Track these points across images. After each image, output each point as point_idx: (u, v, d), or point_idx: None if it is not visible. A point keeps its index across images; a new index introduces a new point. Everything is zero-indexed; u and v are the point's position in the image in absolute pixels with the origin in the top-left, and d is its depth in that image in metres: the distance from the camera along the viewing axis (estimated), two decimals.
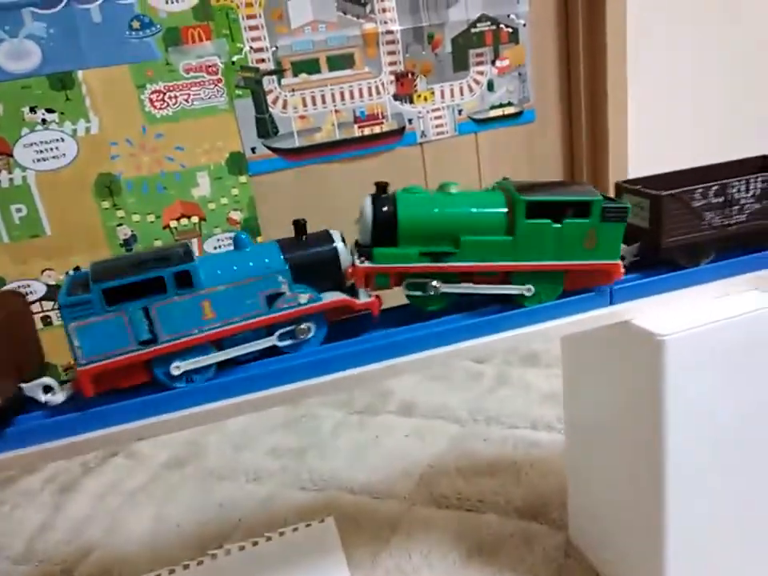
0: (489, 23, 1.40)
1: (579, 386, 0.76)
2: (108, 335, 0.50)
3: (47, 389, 0.52)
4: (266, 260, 0.55)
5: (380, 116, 1.38)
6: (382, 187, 0.58)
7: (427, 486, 0.98)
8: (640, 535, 0.68)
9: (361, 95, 1.35)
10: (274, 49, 1.27)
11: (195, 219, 1.29)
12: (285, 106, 1.30)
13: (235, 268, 0.54)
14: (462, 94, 1.43)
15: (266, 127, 1.30)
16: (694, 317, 0.61)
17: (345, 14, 1.29)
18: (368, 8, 1.30)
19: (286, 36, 1.27)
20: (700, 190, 0.62)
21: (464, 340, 0.59)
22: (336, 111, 1.34)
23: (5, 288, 1.20)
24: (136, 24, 1.19)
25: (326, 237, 0.57)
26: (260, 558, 0.88)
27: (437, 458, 1.05)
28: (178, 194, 1.27)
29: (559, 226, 0.58)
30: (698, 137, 1.56)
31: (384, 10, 1.31)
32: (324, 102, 1.33)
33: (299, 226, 0.57)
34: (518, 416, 1.13)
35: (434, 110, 1.42)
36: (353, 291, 0.58)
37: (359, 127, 1.37)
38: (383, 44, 1.33)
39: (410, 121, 1.41)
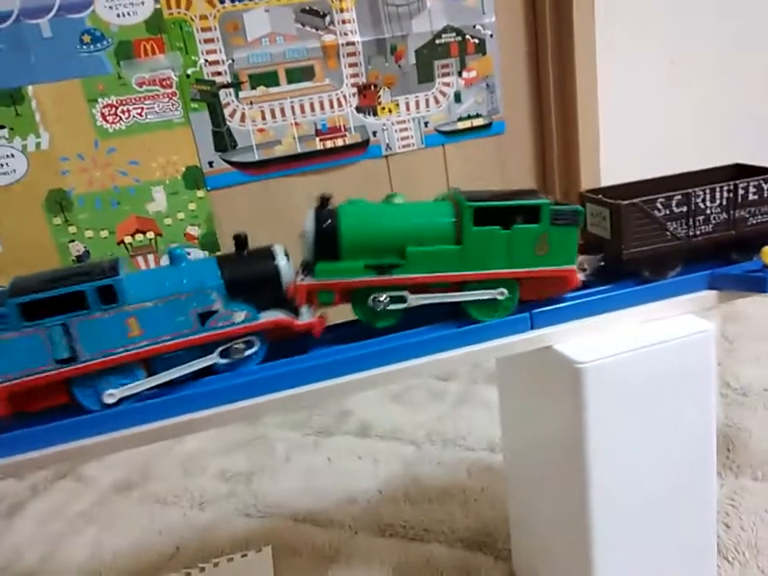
0: (454, 34, 1.37)
1: (512, 411, 0.72)
2: (24, 352, 0.48)
3: None
4: (200, 276, 0.52)
5: (342, 129, 1.35)
6: (325, 200, 0.56)
7: (373, 512, 0.95)
8: (571, 566, 0.64)
9: (322, 108, 1.33)
10: (230, 61, 1.24)
11: (151, 235, 1.26)
12: (243, 119, 1.28)
13: (166, 284, 0.51)
14: (427, 105, 1.40)
15: (223, 141, 1.27)
16: (618, 343, 0.57)
17: (303, 26, 1.27)
18: (327, 20, 1.28)
19: (243, 48, 1.25)
20: (662, 199, 0.59)
21: (377, 366, 0.56)
22: (296, 124, 1.32)
23: None
24: (87, 38, 1.17)
25: (268, 252, 0.55)
26: None
27: (387, 482, 1.01)
28: (133, 209, 1.24)
29: (508, 232, 0.56)
30: (671, 146, 1.52)
31: (344, 22, 1.29)
32: (284, 114, 1.30)
33: (240, 240, 0.55)
34: (476, 438, 1.09)
35: (399, 122, 1.39)
36: (296, 309, 0.55)
37: (321, 140, 1.34)
38: (344, 56, 1.31)
39: (374, 133, 1.38)
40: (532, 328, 0.58)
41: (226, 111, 1.26)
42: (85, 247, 1.23)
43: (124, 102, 1.20)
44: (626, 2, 1.46)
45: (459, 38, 1.38)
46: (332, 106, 1.33)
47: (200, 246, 1.29)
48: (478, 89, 1.43)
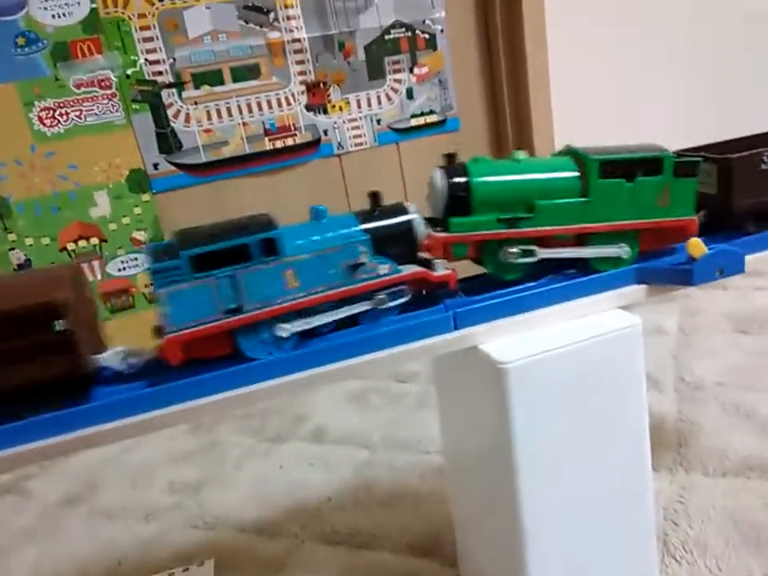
0: (403, 29, 1.35)
1: (447, 412, 0.70)
2: (195, 303, 0.50)
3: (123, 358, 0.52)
4: (346, 231, 0.54)
5: (292, 128, 1.32)
6: (451, 157, 0.58)
7: (322, 520, 0.92)
8: (508, 568, 0.63)
9: (270, 107, 1.30)
10: (171, 60, 1.21)
11: (95, 241, 1.23)
12: (188, 120, 1.25)
13: (316, 238, 0.53)
14: (379, 103, 1.38)
15: (167, 142, 1.24)
16: (543, 341, 0.55)
17: (247, 23, 1.24)
18: (271, 16, 1.25)
19: (184, 47, 1.22)
20: (766, 153, 0.61)
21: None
22: (244, 124, 1.29)
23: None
24: (21, 40, 1.13)
25: (402, 208, 0.57)
26: None
27: (338, 489, 0.99)
28: (75, 214, 1.21)
29: (632, 184, 0.57)
30: (623, 138, 1.52)
31: (289, 18, 1.26)
32: (230, 114, 1.27)
33: (374, 197, 0.57)
34: (431, 440, 1.07)
35: (350, 121, 1.37)
36: (426, 264, 0.57)
37: (270, 140, 1.32)
38: (290, 53, 1.28)
39: (325, 132, 1.35)
40: (456, 328, 0.56)
41: (170, 112, 1.23)
42: (26, 255, 1.19)
43: (62, 105, 1.16)
44: None
45: (409, 34, 1.36)
46: (280, 105, 1.31)
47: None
48: (430, 85, 1.41)
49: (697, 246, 0.56)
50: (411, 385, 1.29)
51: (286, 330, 0.52)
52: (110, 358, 0.52)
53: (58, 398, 0.49)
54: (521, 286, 0.59)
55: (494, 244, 0.57)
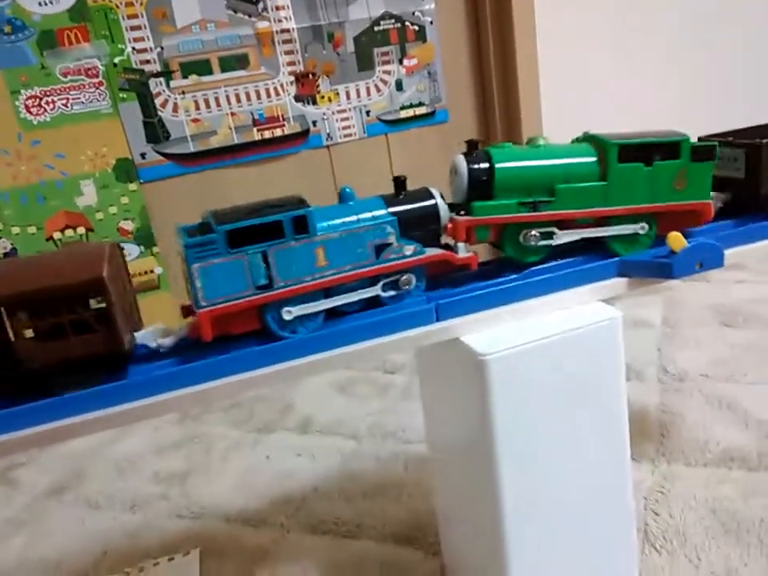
0: (393, 21, 1.35)
1: (431, 403, 0.71)
2: (228, 278, 0.50)
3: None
4: (373, 212, 0.55)
5: (281, 118, 1.32)
6: (474, 144, 0.59)
7: (307, 510, 0.93)
8: (489, 559, 0.63)
9: (258, 97, 1.29)
10: (159, 49, 1.20)
11: (82, 230, 1.22)
12: (176, 110, 1.24)
13: (345, 218, 0.55)
14: (368, 94, 1.38)
15: (155, 132, 1.24)
16: (524, 333, 0.56)
17: (235, 12, 1.24)
18: (260, 6, 1.24)
19: (172, 36, 1.21)
20: None
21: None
22: (232, 114, 1.28)
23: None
24: (8, 28, 1.12)
25: (426, 193, 0.58)
26: None
27: (324, 479, 0.99)
28: (61, 203, 1.20)
29: (650, 168, 0.59)
30: (612, 129, 1.52)
31: (278, 8, 1.26)
32: (218, 104, 1.27)
33: (399, 182, 0.58)
34: (416, 430, 1.08)
35: (339, 112, 1.37)
36: (448, 247, 0.58)
37: (259, 130, 1.31)
38: (279, 43, 1.28)
39: (314, 123, 1.35)
40: (438, 320, 0.57)
41: (158, 101, 1.23)
42: (12, 244, 1.19)
43: (48, 93, 1.16)
44: None
45: (398, 25, 1.36)
46: (269, 95, 1.30)
47: (134, 241, 1.25)
48: (419, 77, 1.41)
49: (677, 240, 0.57)
50: (398, 375, 1.29)
51: (290, 313, 0.53)
52: (145, 336, 0.53)
53: (97, 374, 0.50)
54: (502, 278, 0.59)
55: (514, 227, 0.59)
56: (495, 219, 0.58)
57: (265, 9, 1.25)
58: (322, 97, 1.34)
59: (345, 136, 1.38)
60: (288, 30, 1.27)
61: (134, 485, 1.06)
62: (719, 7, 1.62)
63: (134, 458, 1.14)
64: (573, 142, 0.64)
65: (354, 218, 0.55)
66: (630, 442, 0.86)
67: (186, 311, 0.54)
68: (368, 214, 0.55)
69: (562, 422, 0.57)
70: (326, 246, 0.53)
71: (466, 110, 1.49)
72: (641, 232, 0.61)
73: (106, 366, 0.50)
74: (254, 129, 1.30)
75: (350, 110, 1.37)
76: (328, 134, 1.37)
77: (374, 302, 0.57)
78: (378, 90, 1.38)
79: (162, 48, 1.20)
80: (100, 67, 1.17)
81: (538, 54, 1.42)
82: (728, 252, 0.62)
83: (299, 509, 0.93)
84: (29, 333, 0.47)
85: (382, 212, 0.56)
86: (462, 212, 0.58)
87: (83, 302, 0.47)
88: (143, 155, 1.24)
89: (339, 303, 0.54)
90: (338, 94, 1.35)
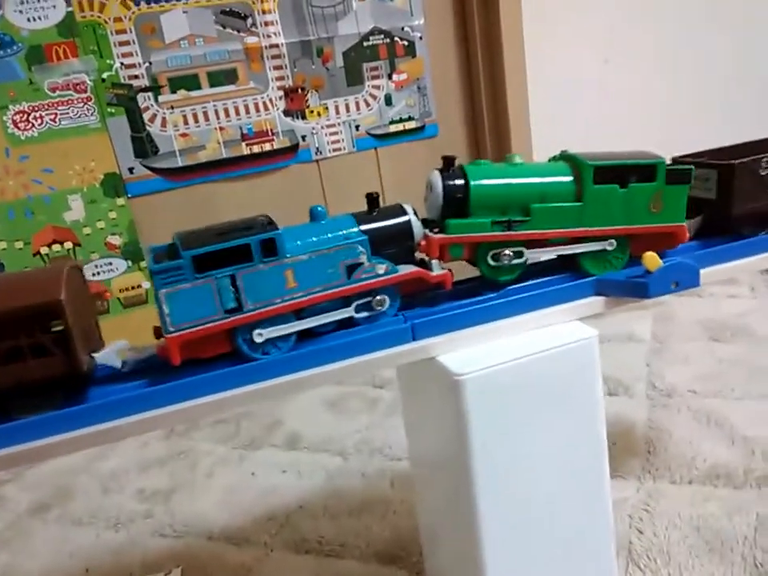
0: (382, 36, 1.36)
1: (411, 420, 0.70)
2: (196, 303, 0.50)
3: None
4: (344, 231, 0.55)
5: (270, 133, 1.32)
6: (449, 161, 0.59)
7: (292, 528, 0.92)
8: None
9: (247, 111, 1.30)
10: (147, 64, 1.21)
11: (69, 245, 1.22)
12: (164, 124, 1.24)
13: (315, 238, 0.54)
14: (358, 108, 1.38)
15: (143, 146, 1.24)
16: (500, 352, 0.56)
17: (224, 27, 1.24)
18: (249, 21, 1.25)
19: (161, 51, 1.21)
20: (765, 159, 0.63)
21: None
22: (221, 128, 1.28)
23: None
24: None
25: (399, 209, 0.58)
26: None
27: (309, 496, 0.99)
28: (49, 218, 1.20)
29: (626, 190, 0.59)
30: (602, 142, 1.53)
31: (267, 24, 1.26)
32: (207, 119, 1.27)
33: (371, 199, 0.58)
34: (403, 446, 1.07)
35: (329, 126, 1.37)
36: (423, 264, 0.58)
37: (248, 145, 1.31)
38: (268, 58, 1.28)
39: (303, 137, 1.35)
40: (414, 339, 0.56)
41: (146, 116, 1.23)
42: None
43: (36, 108, 1.16)
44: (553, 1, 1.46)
45: (387, 40, 1.36)
46: (258, 110, 1.30)
47: (122, 255, 1.25)
48: (409, 91, 1.41)
49: (652, 260, 0.57)
50: (386, 390, 1.29)
51: (261, 335, 0.52)
52: (106, 355, 0.52)
53: (54, 398, 0.49)
54: (479, 298, 0.59)
55: (488, 246, 0.58)
56: (469, 238, 0.57)
57: (254, 24, 1.25)
58: (311, 111, 1.34)
59: (334, 150, 1.39)
60: (277, 45, 1.28)
61: (118, 502, 1.05)
62: (706, 19, 1.63)
63: (120, 475, 1.13)
64: (550, 160, 0.63)
65: (323, 237, 0.54)
66: (615, 458, 0.86)
67: (158, 332, 0.53)
68: (339, 233, 0.55)
69: (538, 440, 0.57)
70: (296, 268, 0.52)
71: (455, 124, 1.49)
72: (608, 248, 0.60)
73: (65, 388, 0.49)
74: (243, 143, 1.31)
75: (339, 124, 1.37)
76: (317, 149, 1.37)
77: (348, 322, 0.56)
78: (368, 104, 1.39)
79: (151, 63, 1.21)
80: (88, 82, 1.17)
81: (527, 68, 1.42)
82: (722, 267, 0.63)
83: (283, 526, 0.93)
84: None
85: (353, 230, 0.55)
86: (437, 229, 0.58)
87: (41, 324, 0.47)
88: (131, 170, 1.24)
89: (311, 325, 0.54)
90: (327, 108, 1.36)
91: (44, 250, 1.21)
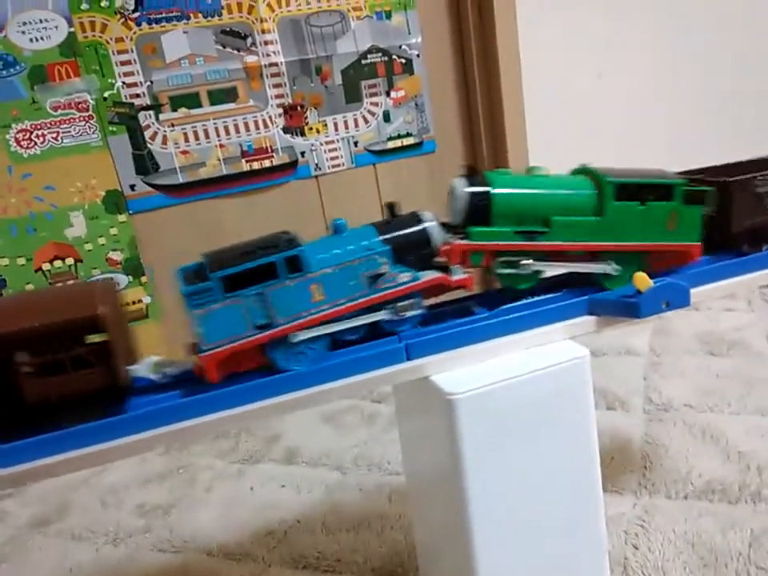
0: (380, 54, 1.38)
1: (407, 438, 0.71)
2: (228, 321, 0.52)
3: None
4: (366, 242, 0.57)
5: (269, 150, 1.34)
6: (472, 169, 0.61)
7: (289, 543, 0.92)
8: None
9: (247, 129, 1.31)
10: (148, 83, 1.22)
11: (70, 261, 1.23)
12: (165, 142, 1.26)
13: (338, 251, 0.56)
14: (356, 125, 1.40)
15: (145, 164, 1.25)
16: (492, 372, 0.56)
17: (224, 47, 1.26)
18: (248, 41, 1.27)
19: (162, 70, 1.23)
20: (760, 177, 0.65)
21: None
22: (221, 146, 1.30)
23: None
24: None
25: (417, 218, 0.59)
26: None
27: (307, 511, 0.99)
28: (51, 235, 1.21)
29: (644, 207, 0.60)
30: (598, 158, 1.54)
31: (266, 43, 1.28)
32: (207, 136, 1.29)
33: (391, 208, 0.60)
34: (400, 462, 1.07)
35: (327, 143, 1.39)
36: (443, 270, 0.59)
37: (247, 161, 1.33)
38: (268, 77, 1.30)
39: (302, 154, 1.37)
40: (408, 359, 0.57)
41: (147, 134, 1.24)
42: (1, 275, 1.19)
43: (39, 127, 1.17)
44: (546, 16, 1.47)
45: (386, 59, 1.38)
46: (258, 127, 1.32)
47: (123, 271, 1.26)
48: (407, 108, 1.43)
49: (642, 280, 0.58)
50: (384, 405, 1.30)
51: (296, 336, 0.54)
52: (142, 368, 0.54)
53: (96, 409, 0.51)
54: (472, 317, 0.60)
55: (508, 254, 0.59)
56: (492, 246, 0.59)
57: (253, 44, 1.27)
58: (310, 128, 1.36)
59: (333, 166, 1.40)
60: (276, 64, 1.30)
61: (117, 517, 1.06)
62: (705, 29, 1.64)
63: (120, 490, 1.13)
64: (570, 173, 0.65)
65: (346, 249, 0.56)
66: (613, 474, 0.87)
67: (191, 349, 0.55)
68: (361, 245, 0.56)
69: (531, 459, 0.58)
70: (321, 282, 0.54)
71: (453, 140, 1.51)
72: (611, 273, 0.61)
73: (106, 400, 0.51)
74: (243, 160, 1.32)
75: (337, 140, 1.39)
76: (316, 165, 1.38)
77: (375, 330, 0.58)
78: (366, 121, 1.40)
79: (152, 82, 1.22)
80: (90, 101, 1.19)
81: (523, 85, 1.44)
82: (700, 289, 0.63)
83: (281, 542, 0.93)
84: (29, 369, 0.48)
85: (374, 241, 0.57)
86: (461, 234, 0.59)
87: (82, 338, 0.49)
88: (132, 187, 1.25)
89: (339, 329, 0.56)
90: (326, 125, 1.37)
91: (46, 266, 1.22)
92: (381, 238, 0.57)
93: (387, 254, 0.56)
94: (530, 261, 0.59)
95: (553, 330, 0.60)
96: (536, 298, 0.61)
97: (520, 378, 0.56)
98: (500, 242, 0.59)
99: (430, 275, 0.57)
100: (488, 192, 0.58)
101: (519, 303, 0.61)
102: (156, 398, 0.54)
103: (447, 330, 0.58)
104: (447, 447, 0.56)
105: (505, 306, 0.61)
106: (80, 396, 0.50)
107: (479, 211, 0.59)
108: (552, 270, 0.61)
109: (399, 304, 0.57)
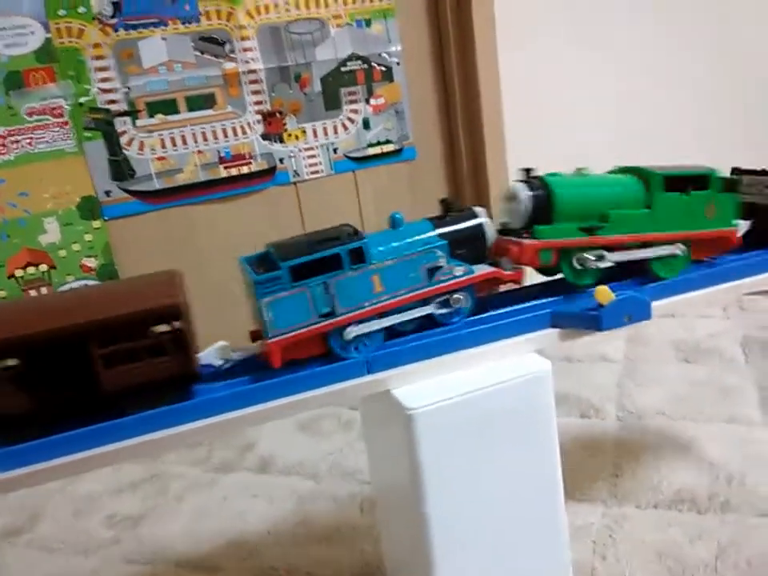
0: (360, 62, 1.38)
1: (372, 448, 0.71)
2: (294, 309, 0.54)
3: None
4: (423, 236, 0.59)
5: (248, 156, 1.33)
6: (528, 171, 0.64)
7: (260, 555, 0.92)
8: None
9: (225, 135, 1.31)
10: (126, 89, 1.22)
11: (44, 267, 1.22)
12: (141, 148, 1.25)
13: (397, 244, 0.58)
14: (336, 132, 1.40)
15: (120, 170, 1.24)
16: (453, 386, 0.56)
17: (203, 53, 1.25)
18: (227, 47, 1.26)
19: (139, 76, 1.22)
20: None
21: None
22: (198, 152, 1.30)
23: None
24: None
25: (471, 214, 0.62)
26: None
27: (278, 522, 0.99)
28: (24, 241, 1.20)
29: (687, 197, 0.65)
30: (577, 163, 1.55)
31: (245, 50, 1.28)
32: (185, 142, 1.28)
33: (446, 203, 0.62)
34: None
35: (306, 149, 1.38)
36: (494, 265, 0.61)
37: (225, 168, 1.32)
38: (246, 83, 1.30)
39: (281, 160, 1.37)
40: (369, 372, 0.57)
41: (123, 140, 1.24)
42: None
43: (12, 133, 1.16)
44: (525, 21, 1.48)
45: (365, 66, 1.38)
46: (236, 134, 1.32)
47: (96, 277, 1.25)
48: (386, 115, 1.43)
49: (604, 294, 0.58)
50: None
51: (351, 333, 0.56)
52: (208, 355, 0.57)
53: (170, 395, 0.53)
54: (435, 330, 0.60)
55: (572, 251, 0.62)
56: (559, 243, 0.61)
57: (232, 50, 1.27)
58: (289, 135, 1.36)
59: (312, 173, 1.40)
60: (255, 71, 1.29)
61: (87, 527, 1.04)
62: (693, 29, 1.65)
63: (92, 499, 1.12)
64: (610, 171, 0.69)
65: (405, 243, 0.58)
66: (583, 483, 0.87)
67: (254, 336, 0.58)
68: (419, 239, 0.58)
69: (492, 473, 0.58)
70: (382, 273, 0.56)
71: (433, 147, 1.51)
72: (679, 253, 0.65)
73: (179, 386, 0.53)
74: (221, 166, 1.32)
75: (317, 147, 1.39)
76: (295, 171, 1.38)
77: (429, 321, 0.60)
78: (345, 128, 1.40)
79: (129, 88, 1.22)
80: (65, 107, 1.18)
81: (501, 92, 1.44)
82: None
83: (251, 553, 0.92)
84: (109, 359, 0.50)
85: (432, 235, 0.59)
86: (526, 235, 0.61)
87: (150, 327, 0.51)
88: (108, 193, 1.24)
89: (394, 322, 0.58)
90: (304, 132, 1.37)
91: (18, 273, 1.21)
92: (437, 232, 0.59)
93: (444, 247, 0.58)
94: (592, 255, 0.61)
95: (516, 343, 0.60)
96: (499, 311, 0.62)
97: (480, 391, 0.56)
98: (567, 239, 0.61)
99: (485, 269, 0.60)
100: (551, 192, 0.61)
101: (483, 316, 0.61)
102: (221, 384, 0.56)
103: (409, 343, 0.58)
104: (407, 461, 0.56)
105: (468, 319, 0.61)
106: (156, 383, 0.51)
107: (543, 211, 0.61)
108: (626, 256, 0.64)
109: (454, 296, 0.59)
